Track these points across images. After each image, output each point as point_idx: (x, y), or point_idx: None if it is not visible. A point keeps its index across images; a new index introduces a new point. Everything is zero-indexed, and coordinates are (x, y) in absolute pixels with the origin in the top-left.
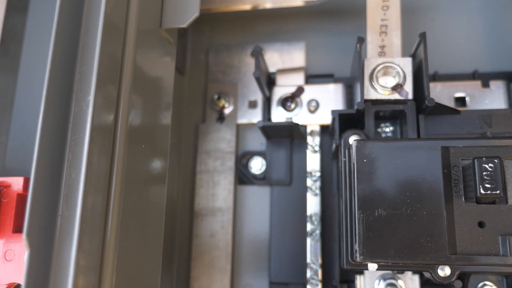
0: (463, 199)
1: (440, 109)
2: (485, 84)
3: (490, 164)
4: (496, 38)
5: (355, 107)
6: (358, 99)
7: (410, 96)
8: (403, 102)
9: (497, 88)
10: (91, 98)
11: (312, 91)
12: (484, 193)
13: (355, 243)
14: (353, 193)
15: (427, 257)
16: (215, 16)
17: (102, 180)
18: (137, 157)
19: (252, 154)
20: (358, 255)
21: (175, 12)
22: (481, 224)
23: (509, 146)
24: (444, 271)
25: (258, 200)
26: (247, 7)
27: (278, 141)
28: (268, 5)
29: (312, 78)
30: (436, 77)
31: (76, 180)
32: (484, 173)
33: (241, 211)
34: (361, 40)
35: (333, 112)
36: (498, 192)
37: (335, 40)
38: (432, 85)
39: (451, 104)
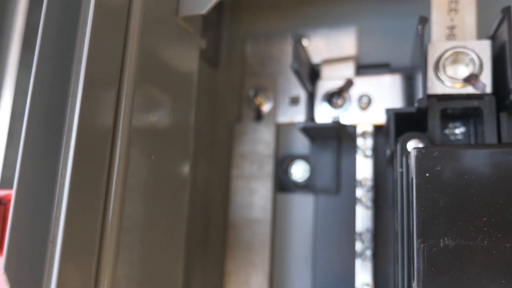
0: None
1: None
2: None
3: None
4: None
5: (416, 104)
6: (419, 94)
7: (489, 90)
8: (479, 97)
9: None
10: (78, 99)
11: (363, 85)
12: None
13: (413, 280)
14: (412, 216)
15: None
16: (254, 1)
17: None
18: (145, 163)
19: (293, 158)
20: None
21: None
22: None
23: None
24: None
25: (300, 211)
26: None
27: (323, 143)
28: None
29: (363, 68)
30: None
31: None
32: None
33: (281, 223)
34: (424, 21)
35: (388, 111)
36: None
37: (392, 23)
38: None
39: None
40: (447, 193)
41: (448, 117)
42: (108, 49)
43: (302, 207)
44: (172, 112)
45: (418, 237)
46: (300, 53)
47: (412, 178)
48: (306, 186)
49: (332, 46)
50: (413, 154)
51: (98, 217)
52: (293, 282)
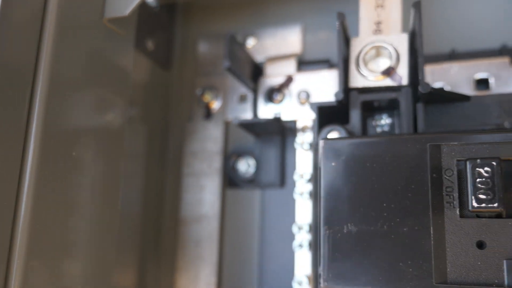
0: (458, 212)
1: (444, 96)
2: None
3: (486, 168)
4: None
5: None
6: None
7: (405, 81)
8: (396, 88)
9: None
10: None
11: (303, 80)
12: (478, 207)
13: (319, 265)
14: (319, 205)
15: (408, 286)
16: (206, 2)
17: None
18: (64, 162)
19: (240, 154)
20: (322, 280)
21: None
22: (480, 245)
23: None
24: None
25: (247, 205)
26: None
27: (268, 139)
28: None
29: (305, 65)
30: (453, 56)
31: None
32: (478, 179)
33: (230, 218)
34: (341, 17)
35: (312, 105)
36: (495, 205)
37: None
38: (447, 65)
39: (470, 87)
40: (351, 181)
41: (375, 109)
42: (20, 51)
43: (250, 202)
44: (98, 112)
45: (324, 224)
46: (235, 52)
47: (319, 168)
48: (253, 181)
49: (278, 45)
50: (320, 145)
51: (8, 218)
52: (241, 275)
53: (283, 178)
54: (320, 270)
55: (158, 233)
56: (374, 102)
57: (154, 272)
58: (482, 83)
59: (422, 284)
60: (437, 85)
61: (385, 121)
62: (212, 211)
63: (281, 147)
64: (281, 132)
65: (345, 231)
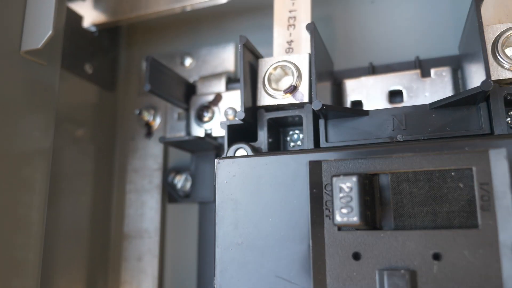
0: (336, 226)
1: (343, 111)
2: (426, 73)
3: (347, 184)
4: (443, 18)
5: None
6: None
7: (306, 99)
8: (300, 105)
9: (439, 76)
10: None
11: (231, 98)
12: (340, 221)
13: (214, 276)
14: (214, 220)
15: None
16: (146, 26)
17: None
18: None
19: (179, 170)
20: None
21: (32, 32)
22: (356, 256)
23: (393, 156)
24: None
25: (186, 219)
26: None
27: (203, 155)
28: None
29: (233, 83)
30: (370, 70)
31: None
32: (340, 195)
33: (170, 232)
34: (243, 39)
35: (222, 124)
36: (355, 220)
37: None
38: (364, 79)
39: (384, 100)
40: (241, 199)
41: (290, 125)
42: None
43: (188, 216)
44: (22, 137)
45: (217, 239)
46: (158, 75)
47: (214, 186)
48: (190, 196)
49: (214, 63)
50: (215, 164)
51: None
52: (181, 286)
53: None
54: (214, 282)
55: (105, 248)
56: (286, 118)
57: (102, 287)
58: (397, 95)
59: None
60: (355, 99)
61: (298, 136)
62: (152, 226)
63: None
64: (214, 148)
65: (234, 245)
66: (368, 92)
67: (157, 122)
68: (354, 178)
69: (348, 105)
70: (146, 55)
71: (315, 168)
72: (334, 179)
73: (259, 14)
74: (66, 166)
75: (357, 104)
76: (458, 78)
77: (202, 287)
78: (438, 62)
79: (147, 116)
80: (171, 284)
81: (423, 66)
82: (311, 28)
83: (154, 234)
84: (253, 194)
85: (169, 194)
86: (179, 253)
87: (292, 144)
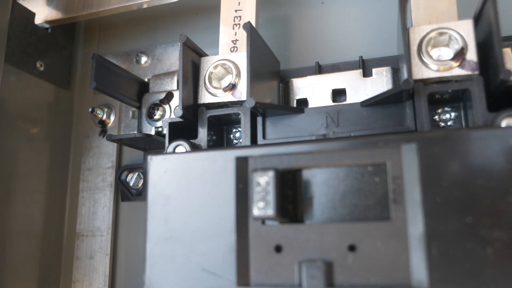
0: (261, 220)
1: (278, 109)
2: (367, 73)
3: (264, 178)
4: (386, 20)
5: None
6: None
7: (245, 97)
8: (239, 103)
9: (380, 75)
10: None
11: None
12: (257, 215)
13: (144, 272)
14: (146, 215)
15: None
16: (103, 24)
17: None
18: None
19: (131, 168)
20: (145, 286)
21: None
22: (278, 249)
23: (314, 152)
24: None
25: (139, 217)
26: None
27: (155, 153)
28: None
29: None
30: (317, 69)
31: None
32: (258, 189)
33: (122, 230)
34: (183, 38)
35: (163, 121)
36: (270, 213)
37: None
38: (310, 78)
39: (328, 98)
40: (172, 195)
41: (233, 122)
42: None
43: (141, 213)
44: None
45: (148, 235)
46: (105, 73)
47: (147, 183)
48: (142, 194)
49: (169, 62)
50: (148, 161)
51: None
52: (133, 284)
53: None
54: (144, 277)
55: (58, 247)
56: (229, 116)
57: (54, 286)
58: (342, 94)
59: (227, 286)
60: (301, 97)
61: (240, 133)
62: (104, 224)
63: None
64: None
65: (163, 239)
66: (313, 90)
67: (111, 120)
68: (271, 173)
69: (294, 103)
70: (92, 54)
71: (241, 164)
72: (253, 174)
73: (215, 14)
74: (20, 165)
75: (303, 102)
76: (398, 77)
77: None
78: (380, 62)
79: (101, 114)
80: (123, 282)
81: (365, 66)
82: (248, 27)
83: (106, 232)
84: (183, 190)
85: (122, 192)
86: (131, 251)
87: (235, 141)
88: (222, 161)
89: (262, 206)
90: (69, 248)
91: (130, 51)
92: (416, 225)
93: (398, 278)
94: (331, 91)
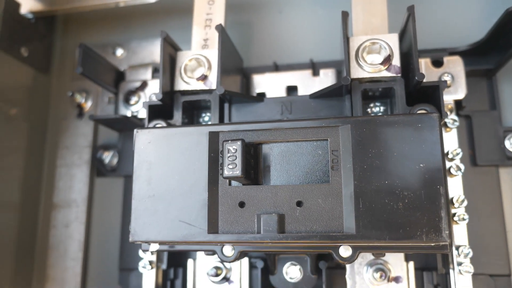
0: (228, 182)
1: (243, 98)
2: (316, 73)
3: (233, 146)
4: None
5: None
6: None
7: (214, 86)
8: (209, 91)
9: (326, 76)
10: None
11: (156, 85)
12: (227, 175)
13: (130, 223)
14: (133, 178)
15: (189, 235)
16: (82, 17)
17: None
18: None
19: (106, 147)
20: (130, 235)
21: None
22: (242, 204)
23: (272, 129)
24: (225, 252)
25: (112, 191)
26: (97, 3)
27: (129, 134)
28: (121, 3)
29: (158, 73)
30: (274, 68)
31: None
32: (228, 155)
33: (97, 202)
34: (163, 34)
35: (144, 103)
36: (238, 173)
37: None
38: (268, 75)
39: (283, 93)
40: (154, 161)
41: (202, 108)
42: None
43: (114, 188)
44: None
45: (133, 193)
46: (90, 60)
47: (133, 151)
48: (116, 170)
49: (143, 54)
50: (134, 133)
51: None
52: (104, 250)
53: None
54: (129, 227)
55: (34, 216)
56: (199, 102)
57: (29, 252)
58: (293, 89)
59: (199, 234)
60: (260, 91)
61: (209, 118)
62: (80, 197)
63: None
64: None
65: (147, 197)
66: (270, 86)
67: (88, 104)
68: (239, 142)
69: (254, 95)
70: (80, 43)
71: (213, 137)
72: (225, 143)
73: (185, 15)
74: None
75: (261, 95)
76: (340, 78)
77: (124, 250)
78: (326, 64)
79: (79, 98)
80: (97, 248)
81: (315, 67)
82: (219, 29)
83: (82, 204)
84: (164, 157)
85: (97, 169)
86: (104, 221)
87: (202, 122)
88: (198, 135)
89: (232, 167)
90: (45, 218)
91: (106, 43)
92: (348, 187)
93: (334, 226)
94: (285, 86)
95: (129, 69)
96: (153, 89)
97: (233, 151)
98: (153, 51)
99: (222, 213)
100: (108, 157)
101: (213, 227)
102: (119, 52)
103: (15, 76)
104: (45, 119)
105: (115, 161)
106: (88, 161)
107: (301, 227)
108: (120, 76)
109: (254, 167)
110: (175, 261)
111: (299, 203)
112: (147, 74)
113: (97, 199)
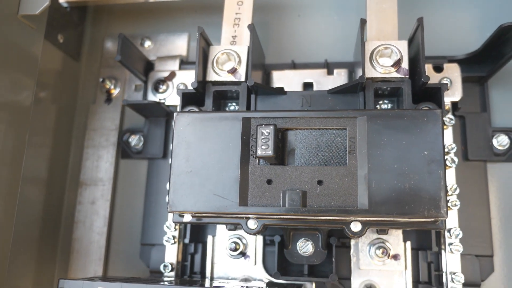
0: (257, 161)
1: (269, 90)
2: (330, 72)
3: (266, 130)
4: (348, 32)
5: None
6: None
7: (243, 78)
8: (239, 83)
9: (339, 75)
10: None
11: (183, 76)
12: (260, 154)
13: (168, 195)
14: (171, 155)
15: (222, 207)
16: (112, 8)
17: None
18: None
19: (132, 131)
20: (169, 206)
21: (31, 0)
22: (269, 182)
23: (298, 118)
24: (249, 225)
25: (137, 172)
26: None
27: (155, 120)
28: None
29: (185, 64)
30: (292, 65)
31: None
32: (261, 137)
33: (121, 182)
34: (200, 29)
35: (178, 91)
36: (270, 153)
37: (216, 31)
38: (287, 71)
39: (300, 88)
40: (192, 141)
41: (229, 98)
42: None
43: (139, 169)
44: (11, 92)
45: (172, 167)
46: (127, 49)
47: (173, 132)
48: (141, 153)
49: (169, 47)
50: (175, 116)
51: None
52: (128, 227)
53: (166, 151)
54: (167, 199)
55: (61, 193)
56: (227, 92)
57: (55, 225)
58: (309, 86)
59: (231, 206)
60: (278, 85)
61: (234, 107)
62: (106, 176)
63: (165, 126)
64: (166, 115)
65: (185, 172)
66: (288, 81)
67: (116, 91)
68: (272, 127)
69: None
70: (119, 34)
71: (246, 122)
72: (259, 127)
73: (210, 12)
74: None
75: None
76: (352, 78)
77: (146, 227)
78: (339, 65)
79: (109, 85)
80: (120, 224)
81: (329, 67)
82: (251, 28)
83: (108, 182)
84: (201, 138)
85: (123, 151)
86: (128, 200)
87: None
88: (232, 119)
89: (264, 148)
90: (71, 195)
91: (135, 35)
92: (362, 169)
93: (349, 202)
94: (302, 82)
95: (158, 59)
96: (181, 79)
97: (266, 134)
98: (180, 45)
99: (252, 188)
100: (134, 140)
101: (243, 200)
102: (147, 44)
103: (51, 60)
104: (74, 103)
105: (140, 144)
106: (114, 143)
107: (321, 202)
108: (149, 66)
109: (281, 150)
110: (196, 237)
111: (319, 182)
112: (175, 65)
113: (122, 179)
